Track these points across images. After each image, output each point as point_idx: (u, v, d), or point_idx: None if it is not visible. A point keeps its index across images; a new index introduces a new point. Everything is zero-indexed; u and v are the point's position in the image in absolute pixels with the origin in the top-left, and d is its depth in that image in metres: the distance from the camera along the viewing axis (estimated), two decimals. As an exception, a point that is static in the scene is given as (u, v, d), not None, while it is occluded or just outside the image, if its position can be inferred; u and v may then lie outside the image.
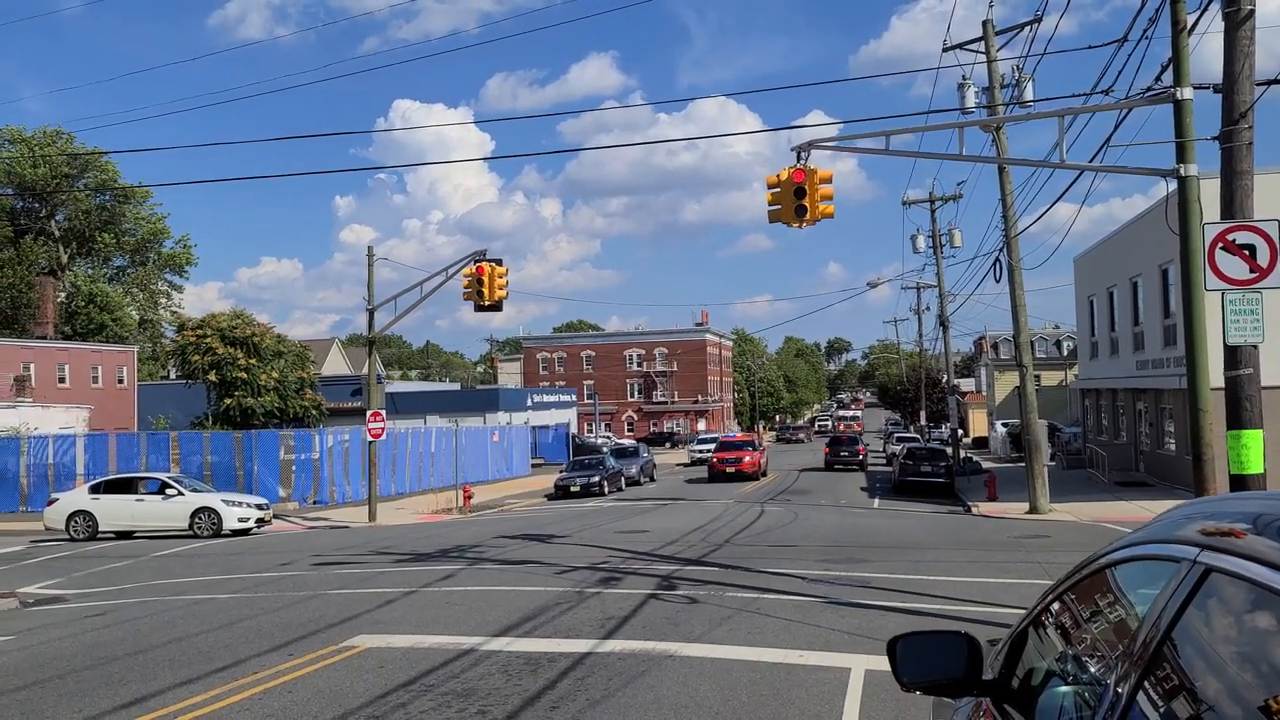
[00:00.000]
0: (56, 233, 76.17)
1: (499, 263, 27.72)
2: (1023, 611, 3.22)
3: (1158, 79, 14.78)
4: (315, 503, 35.72)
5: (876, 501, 32.26)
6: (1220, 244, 11.04)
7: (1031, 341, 28.83)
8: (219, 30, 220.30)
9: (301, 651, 10.21)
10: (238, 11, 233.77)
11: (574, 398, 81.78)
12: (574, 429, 70.40)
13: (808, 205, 15.62)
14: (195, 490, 26.90)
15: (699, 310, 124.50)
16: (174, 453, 35.76)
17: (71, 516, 25.93)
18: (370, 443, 30.35)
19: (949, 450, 41.81)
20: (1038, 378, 35.98)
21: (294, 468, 36.37)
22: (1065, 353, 71.98)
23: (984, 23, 27.26)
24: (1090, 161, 16.88)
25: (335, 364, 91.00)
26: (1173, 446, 29.44)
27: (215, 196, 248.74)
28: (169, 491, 26.15)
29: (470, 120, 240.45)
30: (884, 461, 54.20)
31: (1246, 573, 1.86)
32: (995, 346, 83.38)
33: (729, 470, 42.57)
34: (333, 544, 22.61)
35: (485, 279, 27.21)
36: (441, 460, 42.61)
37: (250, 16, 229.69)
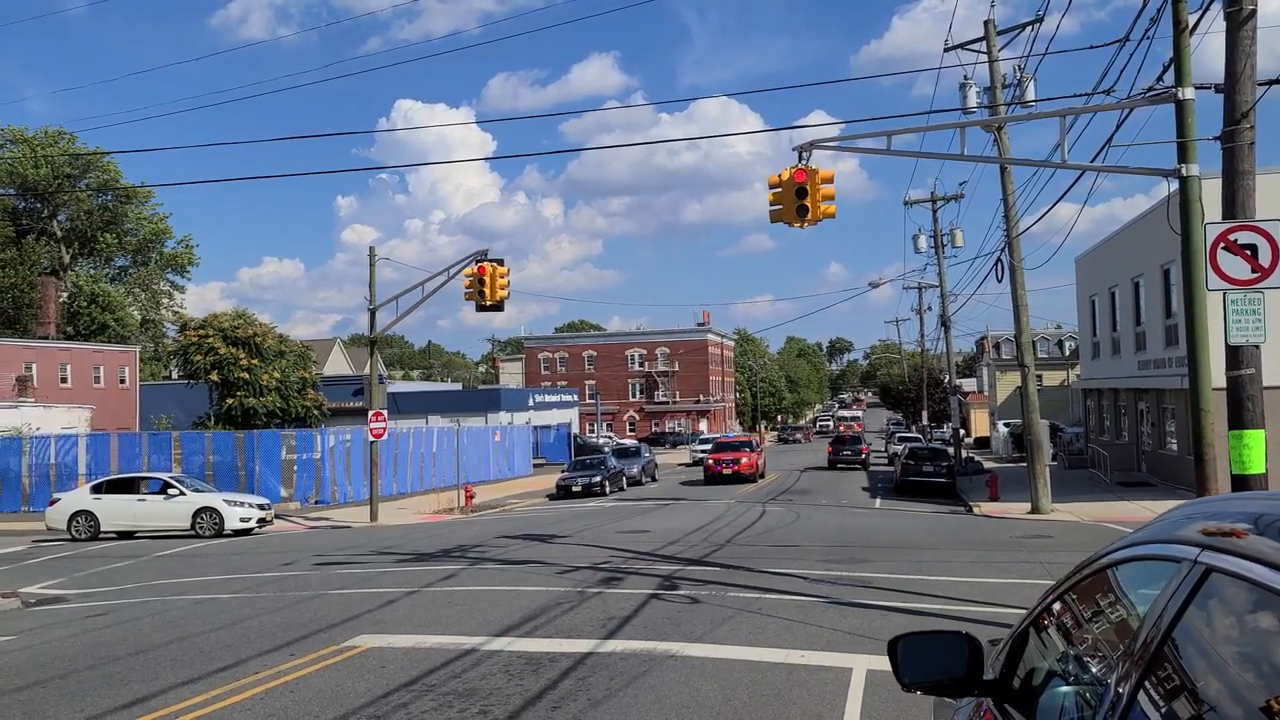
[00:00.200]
0: (59, 233, 76.22)
1: (500, 263, 27.74)
2: (1024, 612, 3.22)
3: (1159, 79, 14.77)
4: (317, 503, 35.74)
5: (878, 501, 32.25)
6: (1222, 244, 11.03)
7: (1033, 341, 28.83)
8: (221, 30, 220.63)
9: (303, 651, 10.22)
10: (240, 12, 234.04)
11: (575, 398, 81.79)
12: (575, 429, 70.39)
13: (809, 205, 15.61)
14: (197, 490, 26.92)
15: (700, 310, 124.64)
16: (176, 453, 35.79)
17: (73, 516, 25.95)
18: (372, 443, 30.36)
19: (951, 450, 41.80)
20: (1039, 378, 35.97)
21: (296, 468, 36.40)
22: (1067, 353, 71.96)
23: (985, 23, 27.26)
24: (1092, 161, 16.86)
25: (337, 364, 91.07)
26: (1175, 446, 29.42)
27: (217, 196, 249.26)
28: (171, 491, 26.17)
29: (472, 120, 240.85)
30: (886, 461, 54.23)
31: (1247, 573, 1.86)
32: (997, 346, 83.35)
33: (726, 472, 41.20)
34: (334, 544, 22.62)
35: (487, 279, 27.22)
36: (443, 460, 42.62)
37: (252, 17, 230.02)
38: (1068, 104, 20.69)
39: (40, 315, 60.48)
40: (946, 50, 28.83)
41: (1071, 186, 20.92)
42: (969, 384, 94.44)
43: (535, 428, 60.76)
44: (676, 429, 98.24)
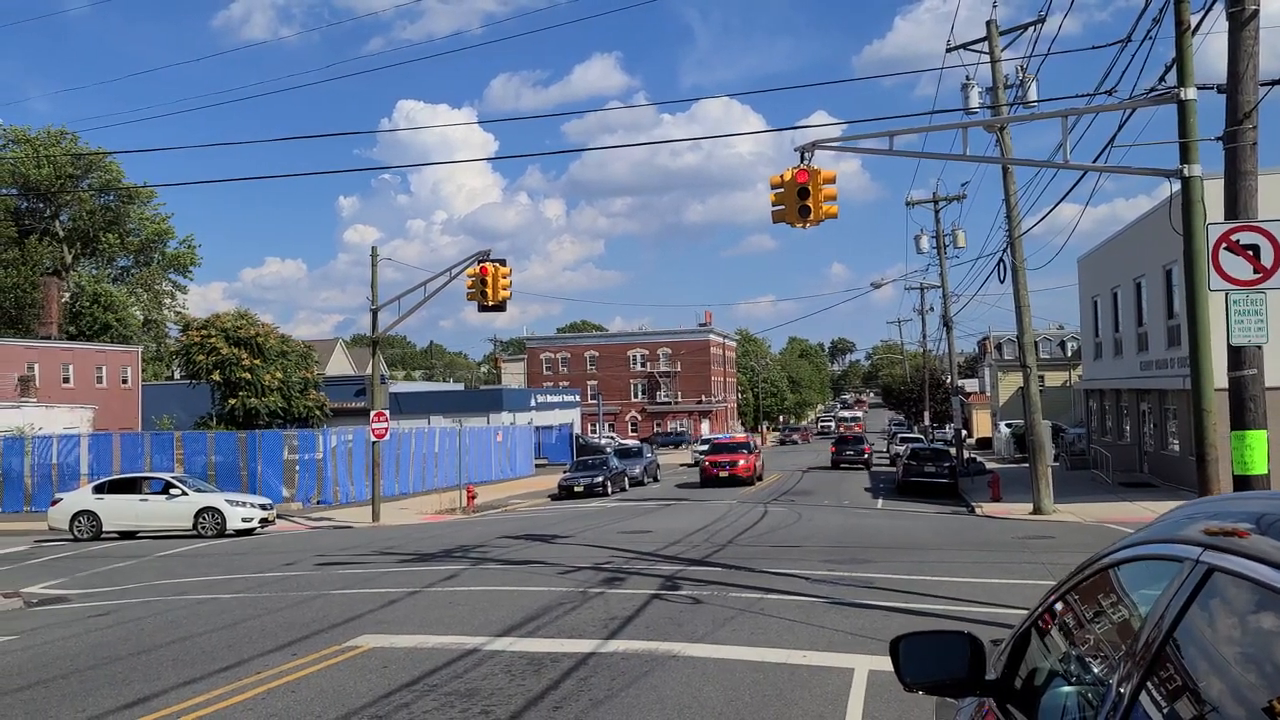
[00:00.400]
0: (61, 233, 76.28)
1: (503, 263, 27.74)
2: (1026, 612, 3.22)
3: (1161, 79, 14.75)
4: (319, 503, 35.74)
5: (880, 502, 32.23)
6: (1224, 244, 11.02)
7: (1035, 342, 28.82)
8: (223, 31, 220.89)
9: (305, 651, 10.22)
10: (242, 12, 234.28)
11: (577, 398, 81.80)
12: (577, 429, 70.39)
13: (811, 205, 15.60)
14: (199, 490, 26.93)
15: (703, 310, 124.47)
16: (178, 453, 35.81)
17: (75, 516, 25.97)
18: (374, 443, 30.35)
19: (953, 451, 41.77)
20: (1042, 378, 35.95)
21: (298, 468, 36.42)
22: (1069, 353, 71.89)
23: (988, 23, 27.24)
24: (1094, 162, 16.84)
25: (339, 364, 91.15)
26: (1177, 447, 29.40)
27: (219, 197, 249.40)
28: (173, 491, 26.18)
29: (474, 120, 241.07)
30: (888, 462, 54.29)
31: (1249, 573, 1.86)
32: (999, 347, 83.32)
33: (722, 474, 39.55)
34: (336, 544, 22.63)
35: (489, 279, 27.22)
36: (445, 460, 42.62)
37: (254, 17, 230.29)
38: (1070, 104, 20.67)
39: (43, 315, 60.53)
40: (949, 50, 28.83)
41: (1074, 187, 20.93)
42: (971, 384, 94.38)
43: (537, 428, 60.78)
44: (679, 429, 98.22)
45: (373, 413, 30.33)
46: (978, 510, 26.86)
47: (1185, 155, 13.30)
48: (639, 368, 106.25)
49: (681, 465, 59.49)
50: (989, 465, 45.04)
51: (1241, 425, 11.42)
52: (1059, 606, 2.89)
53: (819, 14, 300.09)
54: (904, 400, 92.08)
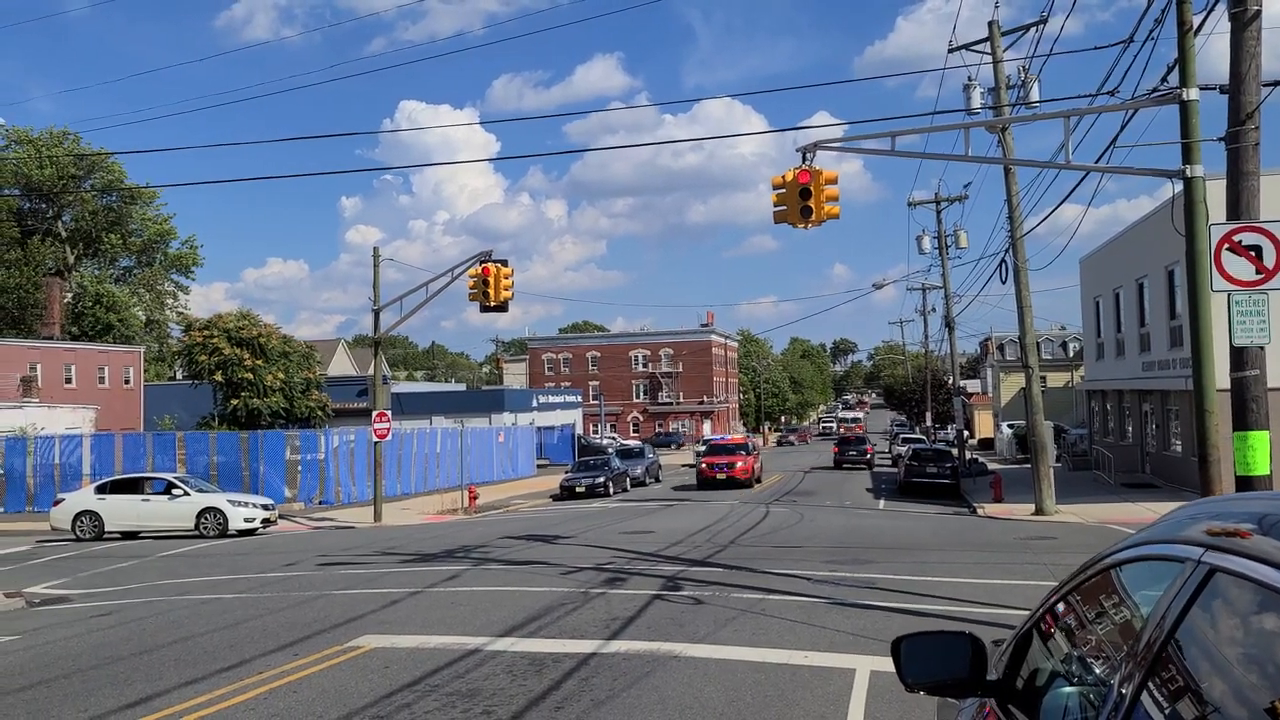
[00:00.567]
0: (63, 233, 76.35)
1: (504, 263, 27.76)
2: (1027, 613, 3.22)
3: (1164, 80, 14.74)
4: (321, 503, 35.76)
5: (882, 502, 32.23)
6: (1226, 245, 11.01)
7: (1037, 343, 28.80)
8: (225, 31, 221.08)
9: (307, 651, 10.23)
10: (244, 12, 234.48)
11: (579, 398, 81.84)
12: (579, 430, 70.42)
13: (813, 206, 15.60)
14: (201, 490, 26.94)
15: (704, 311, 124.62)
16: (180, 453, 35.86)
17: (77, 516, 26.00)
18: (376, 443, 30.36)
19: (954, 451, 41.78)
20: (1044, 379, 35.90)
21: (300, 468, 36.45)
22: (1071, 354, 71.84)
23: (990, 23, 27.22)
24: (1096, 162, 16.84)
25: (341, 365, 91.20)
26: (1179, 448, 29.38)
27: (221, 197, 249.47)
28: (175, 492, 26.20)
29: (476, 121, 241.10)
30: (890, 462, 54.37)
31: (1251, 573, 1.85)
32: (1001, 348, 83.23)
33: (719, 477, 38.48)
34: (338, 544, 22.64)
35: (491, 280, 27.24)
36: (447, 461, 42.65)
37: (257, 17, 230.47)
38: (1072, 105, 20.66)
39: (45, 316, 60.61)
40: (951, 51, 28.80)
41: (1076, 187, 20.92)
42: (973, 385, 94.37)
43: (539, 428, 60.82)
44: (680, 430, 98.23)
45: (375, 413, 30.35)
46: (979, 511, 26.85)
47: (1187, 156, 13.29)
48: (641, 368, 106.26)
49: (683, 465, 59.49)
50: (991, 466, 45.01)
51: (1244, 426, 11.41)
52: (1061, 607, 2.89)
53: (821, 14, 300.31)
54: (906, 401, 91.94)
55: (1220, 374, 12.47)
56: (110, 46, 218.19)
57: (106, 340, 65.83)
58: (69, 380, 55.54)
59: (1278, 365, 15.14)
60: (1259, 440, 11.31)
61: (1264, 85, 12.24)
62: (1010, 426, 56.89)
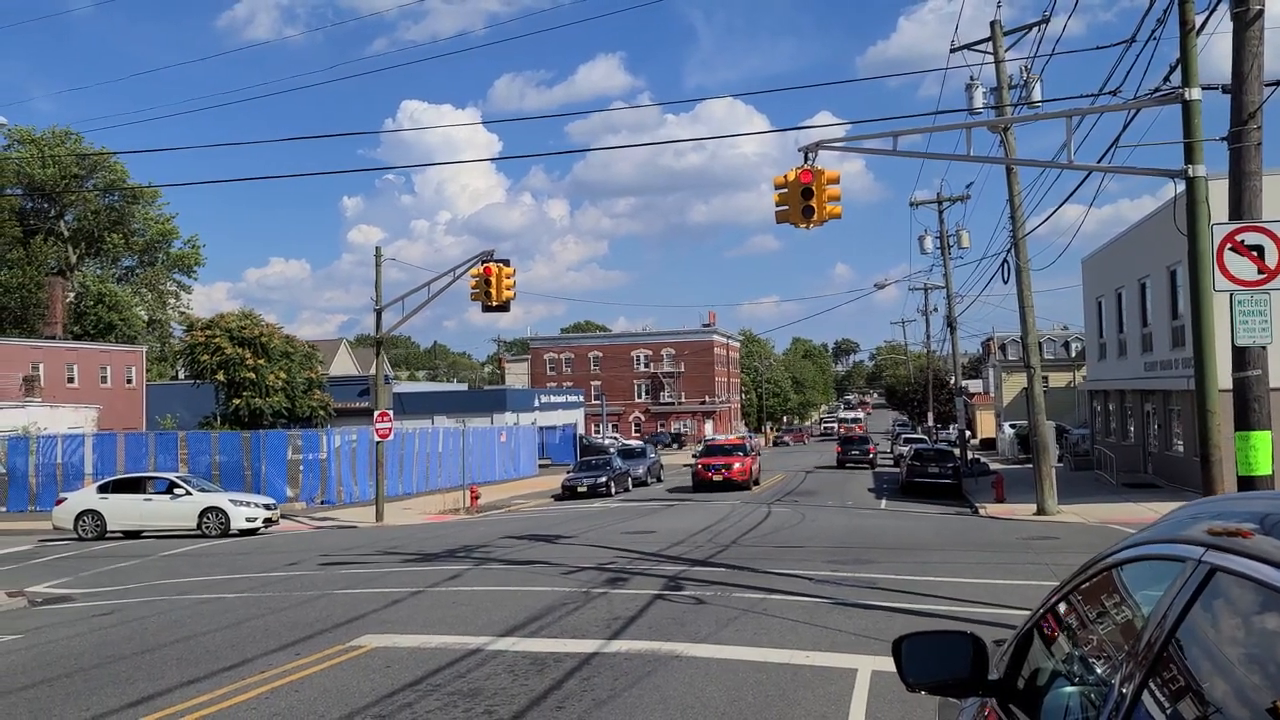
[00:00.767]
0: (65, 233, 76.44)
1: (506, 263, 27.76)
2: (1028, 612, 3.21)
3: (1166, 79, 14.74)
4: (323, 503, 35.79)
5: (884, 502, 32.21)
6: (1229, 245, 11.01)
7: (1039, 343, 28.79)
8: (227, 31, 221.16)
9: (308, 651, 10.23)
10: (246, 12, 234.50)
11: (581, 398, 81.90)
12: (581, 430, 70.45)
13: (815, 206, 15.59)
14: (203, 490, 26.97)
15: (706, 311, 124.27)
16: (182, 453, 35.89)
17: (80, 516, 26.03)
18: (378, 443, 30.38)
19: (956, 451, 41.76)
20: (1046, 379, 35.88)
21: (301, 468, 36.48)
22: (1073, 354, 71.81)
23: (992, 23, 27.19)
24: (1098, 162, 16.82)
25: (343, 364, 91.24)
26: (1181, 448, 29.36)
27: (223, 197, 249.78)
28: (177, 491, 26.23)
29: (478, 121, 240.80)
30: (892, 462, 54.41)
31: (1253, 573, 1.85)
32: (1003, 348, 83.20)
33: (715, 478, 37.52)
34: (340, 544, 22.66)
35: (493, 279, 27.24)
36: (449, 460, 42.66)
37: (259, 17, 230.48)
38: (1074, 105, 20.65)
39: (47, 315, 60.66)
40: (953, 51, 28.78)
41: (1078, 187, 20.94)
42: (975, 385, 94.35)
43: (541, 428, 60.85)
44: (682, 430, 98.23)
45: (377, 413, 30.37)
46: (981, 511, 26.84)
47: (1190, 156, 13.28)
48: (642, 368, 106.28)
49: (685, 465, 59.48)
50: (993, 466, 44.98)
51: (1246, 426, 11.40)
52: (1062, 607, 2.89)
53: (823, 14, 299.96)
54: (908, 401, 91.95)
55: (1222, 374, 12.46)
56: (112, 46, 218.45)
57: (109, 340, 65.91)
58: (71, 380, 55.61)
59: (1280, 365, 15.12)
60: (1261, 440, 11.30)
61: (1266, 85, 12.22)
62: (1012, 426, 56.87)
